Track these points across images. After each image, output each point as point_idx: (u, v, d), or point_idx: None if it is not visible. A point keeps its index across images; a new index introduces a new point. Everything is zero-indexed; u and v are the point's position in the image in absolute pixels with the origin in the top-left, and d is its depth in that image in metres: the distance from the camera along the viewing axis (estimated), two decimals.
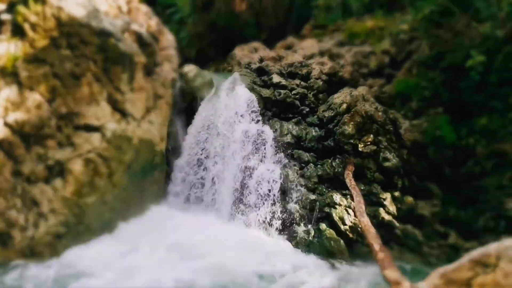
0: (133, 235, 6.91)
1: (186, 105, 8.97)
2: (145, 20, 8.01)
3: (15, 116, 5.88)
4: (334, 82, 8.35)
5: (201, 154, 8.27)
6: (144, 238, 6.78)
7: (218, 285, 5.39)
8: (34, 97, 6.04)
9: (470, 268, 3.00)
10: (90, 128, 6.49)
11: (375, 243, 4.07)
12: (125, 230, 7.06)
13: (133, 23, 7.42)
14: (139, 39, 7.33)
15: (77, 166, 6.25)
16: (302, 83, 8.46)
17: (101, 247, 6.40)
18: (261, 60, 9.33)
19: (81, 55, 6.34)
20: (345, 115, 7.22)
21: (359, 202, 5.61)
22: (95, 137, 6.50)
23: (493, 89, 6.98)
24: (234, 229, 7.34)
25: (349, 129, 7.06)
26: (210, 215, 7.79)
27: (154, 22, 8.31)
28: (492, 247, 2.96)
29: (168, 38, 8.59)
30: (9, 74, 5.96)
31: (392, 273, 3.13)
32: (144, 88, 7.33)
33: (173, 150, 8.53)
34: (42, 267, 5.69)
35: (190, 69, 8.93)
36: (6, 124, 5.84)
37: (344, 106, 7.33)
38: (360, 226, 5.93)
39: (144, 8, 8.27)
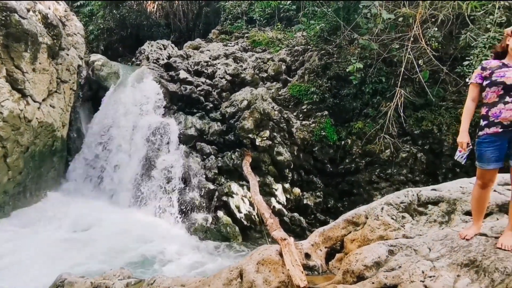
0: (26, 220, 6.35)
1: (92, 93, 8.45)
2: (52, 3, 7.40)
3: None
4: (236, 83, 8.57)
5: (104, 142, 7.81)
6: (37, 224, 6.27)
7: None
8: None
9: (344, 227, 3.30)
10: None
11: (266, 212, 4.28)
12: (19, 215, 6.47)
13: (39, 4, 6.82)
14: (45, 20, 6.76)
15: None
16: (207, 81, 8.51)
17: None
18: (169, 56, 9.16)
19: None
20: (245, 111, 7.42)
21: (254, 185, 5.82)
22: None
23: (368, 98, 7.80)
24: (132, 216, 7.02)
25: (248, 123, 7.26)
26: (110, 202, 7.39)
27: (61, 7, 7.74)
28: (362, 208, 3.30)
29: (76, 25, 8.05)
30: None
31: (279, 233, 3.32)
32: (47, 70, 6.75)
33: (75, 137, 7.93)
34: None
35: (98, 58, 8.44)
36: None
37: (245, 102, 7.54)
38: (253, 203, 6.16)
39: None
